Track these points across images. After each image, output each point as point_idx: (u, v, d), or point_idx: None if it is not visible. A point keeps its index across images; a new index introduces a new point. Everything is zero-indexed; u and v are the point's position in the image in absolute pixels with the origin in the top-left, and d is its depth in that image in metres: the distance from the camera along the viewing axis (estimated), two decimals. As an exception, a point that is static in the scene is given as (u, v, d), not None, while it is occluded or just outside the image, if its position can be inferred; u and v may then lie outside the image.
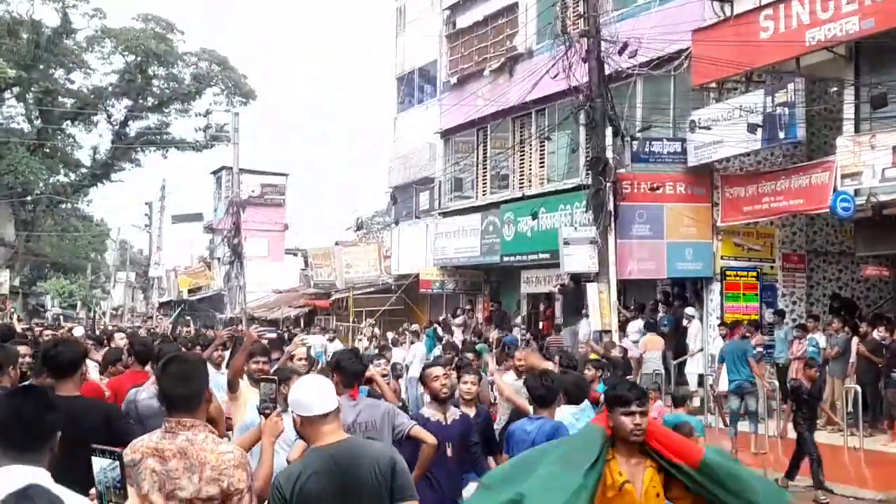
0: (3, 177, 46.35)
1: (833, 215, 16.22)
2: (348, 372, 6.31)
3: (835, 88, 17.16)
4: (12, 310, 39.49)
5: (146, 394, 6.75)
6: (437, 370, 7.46)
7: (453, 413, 7.35)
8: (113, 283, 67.56)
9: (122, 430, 5.51)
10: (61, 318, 57.44)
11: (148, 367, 8.16)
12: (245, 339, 8.07)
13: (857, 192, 15.31)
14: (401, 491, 4.24)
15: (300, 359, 9.70)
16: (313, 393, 4.32)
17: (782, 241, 19.23)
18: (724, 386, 16.94)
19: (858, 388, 15.13)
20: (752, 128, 16.61)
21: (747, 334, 16.32)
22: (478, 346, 18.48)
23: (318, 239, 62.48)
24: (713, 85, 18.25)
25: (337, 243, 39.02)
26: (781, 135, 16.55)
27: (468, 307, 27.47)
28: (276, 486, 4.16)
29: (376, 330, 27.66)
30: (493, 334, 22.35)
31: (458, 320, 26.02)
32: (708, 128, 17.71)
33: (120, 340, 11.73)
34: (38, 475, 3.23)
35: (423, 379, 7.59)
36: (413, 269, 29.06)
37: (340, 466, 4.15)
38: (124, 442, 4.55)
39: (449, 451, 7.07)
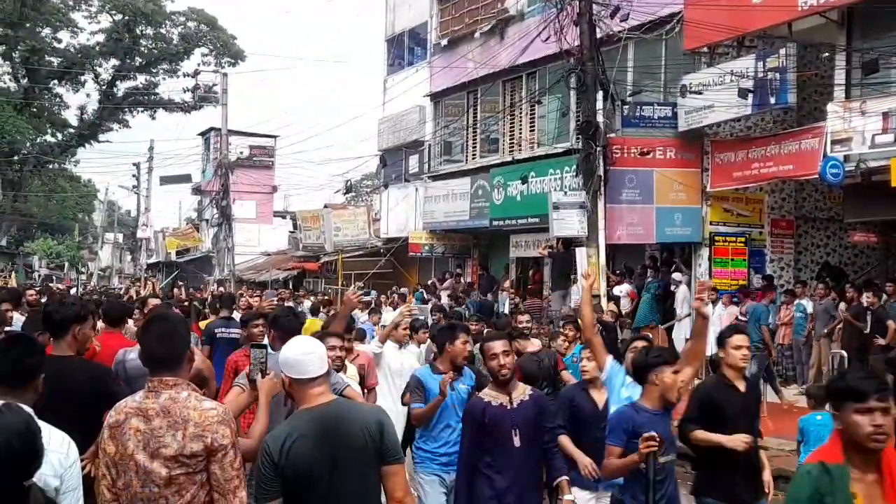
0: (-10, 136, 46.14)
1: (822, 181, 16.21)
2: (286, 329, 6.26)
3: (826, 54, 17.09)
4: (14, 272, 39.49)
5: (134, 354, 6.75)
6: (497, 345, 6.20)
7: (521, 392, 6.17)
8: (100, 244, 67.40)
9: (109, 392, 5.51)
10: (53, 278, 57.46)
11: (127, 330, 8.18)
12: (346, 303, 7.93)
13: (846, 159, 15.29)
14: (389, 453, 4.26)
15: (405, 329, 9.78)
16: (305, 355, 4.31)
17: (771, 206, 19.24)
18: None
19: (844, 354, 15.21)
20: (742, 93, 16.56)
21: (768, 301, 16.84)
22: (457, 310, 18.51)
23: (306, 201, 62.32)
24: (705, 49, 18.16)
25: (326, 206, 38.91)
26: (772, 100, 16.50)
27: (457, 271, 27.48)
28: (265, 448, 4.17)
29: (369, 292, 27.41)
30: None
31: (446, 284, 26.03)
32: (699, 92, 17.65)
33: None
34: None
35: (482, 354, 6.49)
36: (402, 233, 29.01)
37: (329, 428, 4.17)
38: (111, 403, 4.59)
39: (516, 440, 5.99)
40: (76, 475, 4.12)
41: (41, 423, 3.80)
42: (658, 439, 5.40)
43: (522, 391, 6.19)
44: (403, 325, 9.44)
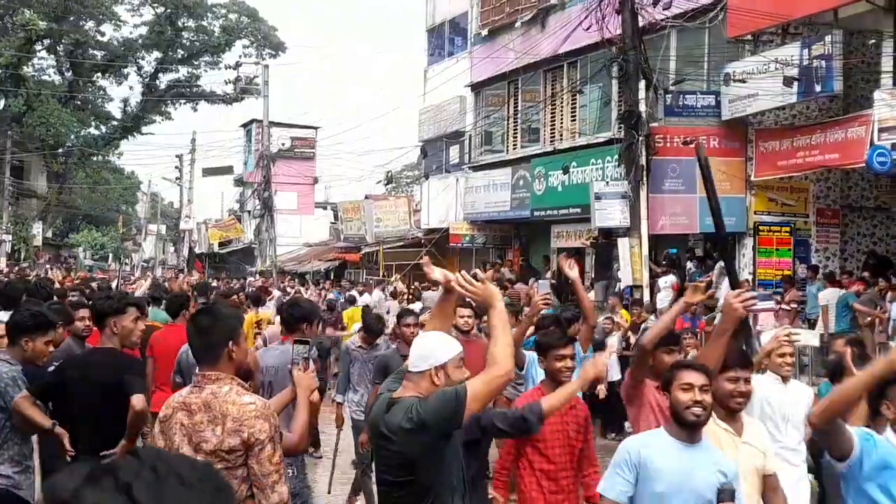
0: (35, 129, 46.73)
1: (869, 170, 16.03)
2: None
3: (873, 41, 16.85)
4: (74, 265, 40.15)
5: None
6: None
7: None
8: (144, 236, 68.01)
9: (126, 383, 5.54)
10: (96, 269, 58.19)
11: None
12: (684, 300, 5.60)
13: (893, 147, 15.07)
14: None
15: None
16: (417, 348, 4.29)
17: (816, 195, 19.01)
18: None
19: (893, 345, 14.98)
20: (787, 81, 16.38)
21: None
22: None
23: (347, 192, 62.46)
24: (748, 37, 17.99)
25: (367, 197, 39.02)
26: (817, 88, 16.32)
27: (498, 262, 27.42)
28: None
29: (399, 285, 26.68)
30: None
31: (488, 275, 25.91)
32: (743, 81, 17.48)
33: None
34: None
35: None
36: (442, 223, 29.03)
37: (374, 415, 4.28)
38: (125, 394, 5.25)
39: None
40: None
41: None
42: None
43: None
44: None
